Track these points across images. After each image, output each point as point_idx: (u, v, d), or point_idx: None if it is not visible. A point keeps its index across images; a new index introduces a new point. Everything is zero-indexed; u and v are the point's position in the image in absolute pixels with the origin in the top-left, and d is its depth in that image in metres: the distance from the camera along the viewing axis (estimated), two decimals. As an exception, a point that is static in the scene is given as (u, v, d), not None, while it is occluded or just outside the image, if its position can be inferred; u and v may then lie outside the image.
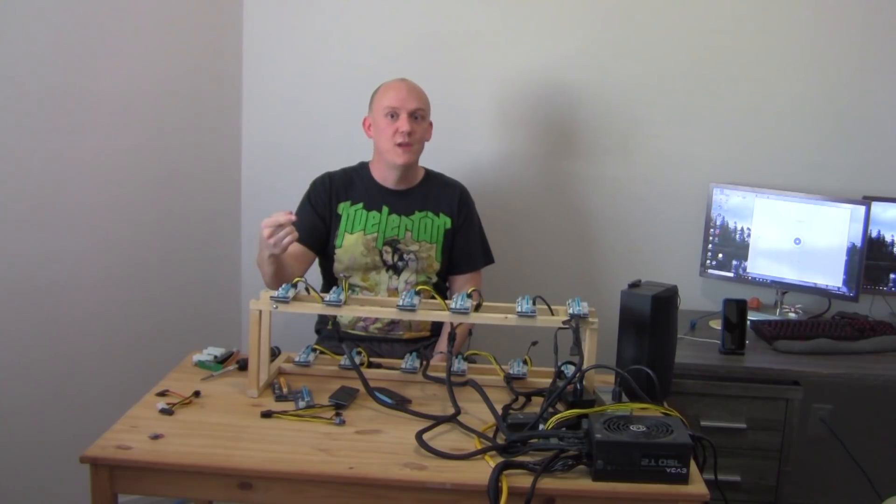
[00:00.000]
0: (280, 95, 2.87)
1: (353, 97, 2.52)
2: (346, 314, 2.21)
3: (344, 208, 2.42)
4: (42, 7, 2.38)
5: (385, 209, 2.42)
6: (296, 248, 2.35)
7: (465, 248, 2.48)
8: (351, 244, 2.40)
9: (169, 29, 2.67)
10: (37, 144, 2.42)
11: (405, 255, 2.40)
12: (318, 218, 2.41)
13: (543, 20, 2.79)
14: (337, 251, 2.40)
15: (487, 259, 2.54)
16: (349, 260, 2.39)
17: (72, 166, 2.50)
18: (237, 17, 2.83)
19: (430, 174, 2.51)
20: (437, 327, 2.47)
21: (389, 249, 2.40)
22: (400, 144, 2.33)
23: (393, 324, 2.40)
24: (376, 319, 2.39)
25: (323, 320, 2.50)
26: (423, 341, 2.43)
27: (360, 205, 2.43)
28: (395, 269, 2.40)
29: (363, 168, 2.49)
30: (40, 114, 2.42)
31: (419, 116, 2.35)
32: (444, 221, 2.45)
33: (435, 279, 2.44)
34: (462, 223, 2.46)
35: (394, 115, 2.33)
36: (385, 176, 2.43)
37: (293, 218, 1.97)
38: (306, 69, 2.86)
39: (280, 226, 1.96)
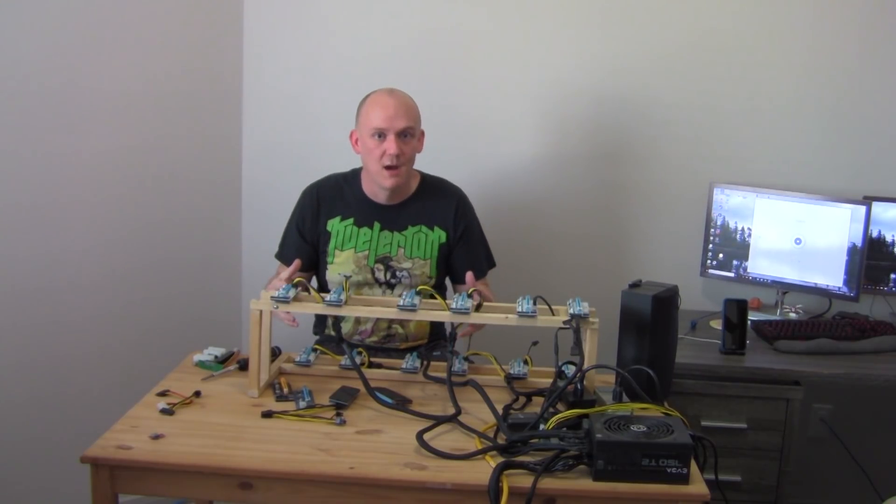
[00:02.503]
0: (280, 96, 2.87)
1: (354, 98, 2.50)
2: (346, 314, 2.19)
3: (333, 224, 2.35)
4: (42, 7, 2.38)
5: (377, 225, 2.34)
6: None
7: (469, 258, 2.38)
8: (342, 261, 2.33)
9: (169, 29, 2.67)
10: (37, 144, 2.42)
11: (398, 273, 2.33)
12: (304, 242, 2.37)
13: (545, 22, 2.79)
14: (328, 266, 2.35)
15: (490, 263, 2.48)
16: (340, 277, 2.30)
17: (72, 166, 2.50)
18: (237, 17, 2.82)
19: (425, 183, 2.40)
20: (434, 336, 2.42)
21: (381, 267, 2.33)
22: (388, 167, 2.23)
23: (389, 337, 2.36)
24: (372, 332, 2.35)
25: (320, 322, 2.48)
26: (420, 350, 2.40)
27: (351, 220, 2.35)
28: (389, 285, 2.34)
29: (355, 178, 2.39)
30: (40, 114, 2.42)
31: (408, 135, 2.24)
32: (439, 236, 2.36)
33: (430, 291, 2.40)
34: (461, 234, 2.38)
35: (381, 135, 2.21)
36: (375, 192, 2.34)
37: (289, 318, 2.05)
38: (307, 69, 2.86)
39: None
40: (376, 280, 2.34)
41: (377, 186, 2.32)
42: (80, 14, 2.46)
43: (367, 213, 2.35)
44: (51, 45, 2.41)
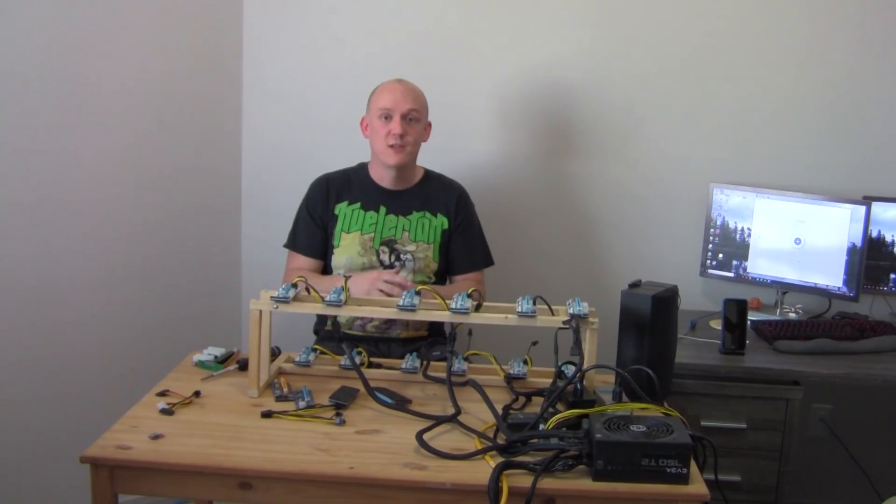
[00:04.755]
0: (281, 94, 2.87)
1: (354, 96, 2.52)
2: (345, 314, 2.21)
3: (341, 209, 2.43)
4: (42, 5, 2.38)
5: (382, 209, 2.42)
6: (304, 261, 2.43)
7: (465, 249, 2.47)
8: (348, 244, 2.40)
9: (169, 28, 2.67)
10: (37, 142, 2.42)
11: (402, 256, 2.40)
12: (316, 227, 2.44)
13: (545, 20, 2.79)
14: (334, 250, 2.41)
15: (487, 261, 2.53)
16: (346, 259, 2.39)
17: (72, 165, 2.50)
18: (237, 15, 2.83)
19: (429, 175, 2.51)
20: (434, 326, 2.47)
21: (386, 249, 2.40)
22: (392, 146, 2.34)
23: (390, 322, 2.40)
24: (373, 318, 2.39)
25: (321, 321, 2.50)
26: (421, 341, 2.43)
27: (358, 205, 2.43)
28: (392, 269, 2.40)
29: (362, 168, 2.50)
30: (40, 112, 2.42)
31: (413, 118, 2.36)
32: (442, 222, 2.45)
33: (433, 279, 2.44)
34: (460, 224, 2.47)
35: (387, 116, 2.34)
36: (382, 176, 2.44)
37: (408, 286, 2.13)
38: (307, 68, 2.86)
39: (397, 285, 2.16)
40: (381, 262, 2.40)
41: (383, 169, 2.42)
42: (80, 14, 2.45)
43: (373, 197, 2.44)
44: (52, 45, 2.41)
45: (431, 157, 2.55)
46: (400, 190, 2.45)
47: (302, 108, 2.88)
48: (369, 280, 2.23)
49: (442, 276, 2.49)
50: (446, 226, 2.45)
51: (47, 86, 2.42)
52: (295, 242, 2.47)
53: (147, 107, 2.65)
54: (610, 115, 2.82)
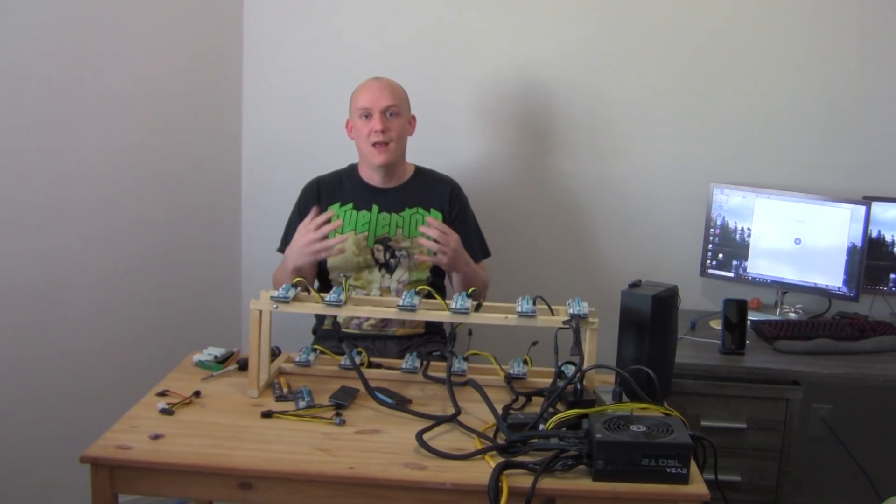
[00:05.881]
0: (280, 94, 2.87)
1: (354, 97, 2.52)
2: (346, 314, 2.21)
3: (333, 210, 2.42)
4: (43, 5, 2.38)
5: (375, 208, 2.42)
6: None
7: (462, 241, 2.44)
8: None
9: (170, 28, 2.67)
10: (37, 142, 2.42)
11: (397, 252, 2.40)
12: None
13: (546, 19, 2.79)
14: None
15: (484, 252, 2.53)
16: (341, 260, 2.38)
17: (72, 164, 2.50)
18: (237, 15, 2.83)
19: (420, 171, 2.51)
20: (431, 324, 2.46)
21: (381, 247, 2.40)
22: (375, 144, 2.34)
23: (386, 320, 2.39)
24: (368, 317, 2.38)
25: (320, 320, 2.50)
26: (417, 338, 2.43)
27: (350, 205, 2.43)
28: (388, 268, 2.39)
29: (352, 169, 2.50)
30: (41, 112, 2.42)
31: (393, 113, 2.35)
32: (435, 217, 2.43)
33: (428, 275, 2.43)
34: (454, 218, 2.46)
35: (368, 115, 2.35)
36: (371, 176, 2.45)
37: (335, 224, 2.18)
38: (306, 68, 2.86)
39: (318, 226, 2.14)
40: (376, 261, 2.39)
41: (372, 168, 2.42)
42: (80, 14, 2.45)
43: (365, 197, 2.44)
44: (52, 45, 2.41)
45: (433, 156, 2.55)
46: (391, 187, 2.45)
47: (302, 108, 2.88)
48: (297, 247, 2.21)
49: (439, 271, 2.48)
50: (440, 220, 2.43)
51: (47, 86, 2.42)
52: (286, 246, 2.41)
53: (147, 107, 2.65)
54: (610, 115, 2.82)
